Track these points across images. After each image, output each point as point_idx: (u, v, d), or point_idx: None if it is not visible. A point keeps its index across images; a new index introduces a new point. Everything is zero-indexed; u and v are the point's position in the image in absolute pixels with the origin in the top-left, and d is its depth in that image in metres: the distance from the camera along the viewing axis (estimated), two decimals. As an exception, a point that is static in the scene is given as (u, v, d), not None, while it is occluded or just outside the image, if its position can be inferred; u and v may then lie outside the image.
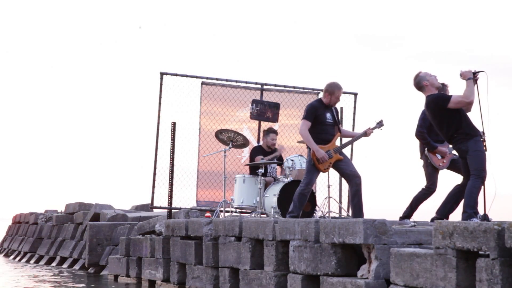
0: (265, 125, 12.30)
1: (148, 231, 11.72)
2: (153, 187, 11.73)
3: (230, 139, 10.81)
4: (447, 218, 8.09)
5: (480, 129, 7.58)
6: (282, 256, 7.47)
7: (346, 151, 12.51)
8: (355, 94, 13.03)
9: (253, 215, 10.21)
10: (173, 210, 11.74)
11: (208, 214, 10.66)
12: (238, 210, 10.73)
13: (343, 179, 9.38)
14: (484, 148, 7.58)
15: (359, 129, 9.22)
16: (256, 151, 11.12)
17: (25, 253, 20.50)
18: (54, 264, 17.37)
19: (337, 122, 8.80)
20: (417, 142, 8.64)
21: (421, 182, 8.56)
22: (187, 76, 12.01)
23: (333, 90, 8.66)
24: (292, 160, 10.30)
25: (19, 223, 24.56)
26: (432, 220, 8.13)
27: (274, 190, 10.09)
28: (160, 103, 11.77)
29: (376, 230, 6.10)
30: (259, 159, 10.78)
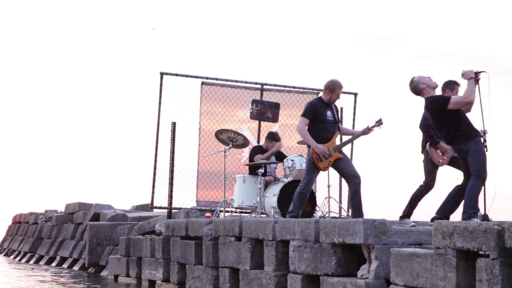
0: (265, 125, 12.30)
1: (148, 231, 11.72)
2: (153, 187, 11.73)
3: (230, 139, 10.81)
4: (448, 219, 8.09)
5: (481, 129, 7.59)
6: (282, 256, 7.47)
7: (346, 150, 12.51)
8: (355, 94, 13.03)
9: (253, 215, 10.21)
10: (173, 210, 11.74)
11: (208, 214, 10.66)
12: (238, 210, 10.73)
13: (343, 179, 9.38)
14: (485, 148, 7.59)
15: (359, 129, 9.19)
16: (256, 151, 11.11)
17: (25, 253, 20.50)
18: (54, 264, 17.37)
19: (337, 121, 8.79)
20: (418, 138, 8.63)
21: (421, 181, 8.55)
22: (187, 76, 12.01)
23: (334, 87, 8.65)
24: (292, 160, 10.30)
25: (19, 223, 24.56)
26: (432, 220, 8.12)
27: (274, 190, 10.09)
28: (160, 103, 11.77)
29: (376, 230, 6.10)
30: (259, 159, 10.78)
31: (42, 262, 18.32)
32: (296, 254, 7.05)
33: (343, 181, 11.13)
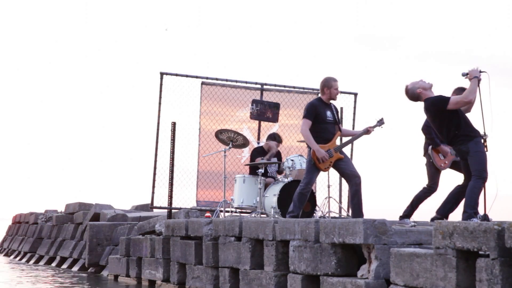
0: (265, 125, 12.30)
1: (148, 231, 11.72)
2: (153, 187, 11.73)
3: (230, 139, 10.81)
4: (447, 218, 8.09)
5: (482, 130, 7.58)
6: (282, 256, 7.47)
7: (347, 150, 12.52)
8: (355, 94, 13.03)
9: (253, 215, 10.21)
10: (173, 210, 11.74)
11: (208, 214, 10.66)
12: (238, 210, 10.73)
13: (343, 179, 9.38)
14: (485, 148, 7.59)
15: (359, 129, 9.19)
16: (257, 153, 11.11)
17: (25, 253, 20.50)
18: (54, 264, 17.37)
19: (337, 121, 8.79)
20: (420, 140, 8.63)
21: (422, 182, 8.56)
22: (187, 76, 12.01)
23: (330, 82, 8.64)
24: (292, 160, 10.30)
25: (19, 223, 24.57)
26: (432, 219, 8.13)
27: (274, 190, 10.09)
28: (160, 103, 11.77)
29: (376, 230, 6.10)
30: (259, 160, 10.78)
31: (42, 262, 18.31)
32: (296, 254, 7.05)
33: (343, 181, 11.14)
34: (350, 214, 10.83)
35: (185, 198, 11.90)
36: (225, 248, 8.66)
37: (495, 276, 4.78)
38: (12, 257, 21.89)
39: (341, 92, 12.82)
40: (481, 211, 7.48)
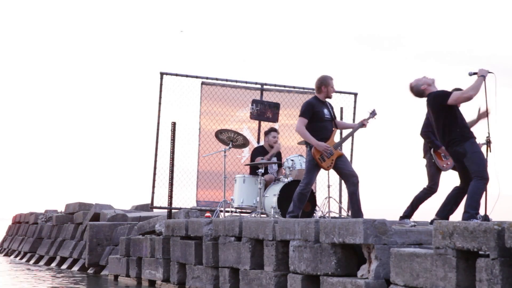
0: (265, 125, 12.30)
1: (148, 231, 11.72)
2: (153, 187, 11.73)
3: (230, 139, 10.81)
4: (447, 219, 8.09)
5: (486, 131, 7.61)
6: (282, 256, 7.47)
7: (347, 151, 12.49)
8: (355, 94, 13.02)
9: (253, 215, 10.21)
10: (173, 210, 11.74)
11: (208, 214, 10.66)
12: (238, 210, 10.73)
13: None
14: (489, 150, 7.61)
15: (361, 129, 9.22)
16: (257, 152, 11.11)
17: (25, 253, 20.49)
18: (54, 264, 17.36)
19: (333, 118, 8.82)
20: (420, 142, 8.64)
21: (422, 182, 8.57)
22: (187, 76, 12.01)
23: (327, 81, 8.68)
24: (292, 160, 10.30)
25: (19, 223, 24.56)
26: (432, 222, 8.12)
27: (274, 190, 10.09)
28: (160, 103, 11.77)
29: (376, 230, 6.10)
30: (260, 160, 10.79)
31: (42, 262, 18.31)
32: (296, 254, 7.05)
33: (343, 180, 11.15)
34: (350, 214, 10.83)
35: (185, 198, 11.91)
36: (225, 248, 8.66)
37: (495, 276, 4.78)
38: (12, 256, 21.89)
39: (341, 92, 12.85)
40: (481, 211, 7.48)
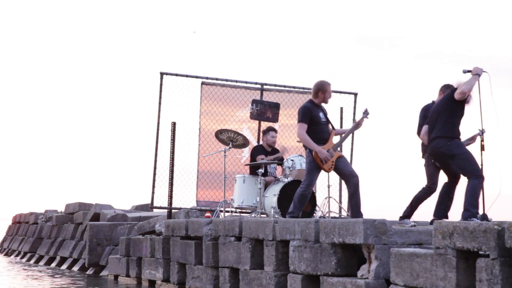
0: (265, 125, 12.30)
1: (148, 231, 11.72)
2: (153, 187, 11.72)
3: (230, 139, 10.81)
4: (446, 217, 8.11)
5: (479, 129, 7.68)
6: (282, 256, 7.47)
7: (347, 151, 12.50)
8: (355, 94, 13.02)
9: (253, 215, 10.21)
10: (173, 210, 11.73)
11: (208, 214, 10.66)
12: (238, 210, 10.73)
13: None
14: (482, 147, 7.67)
15: (360, 129, 9.25)
16: (257, 151, 11.12)
17: (25, 253, 20.50)
18: (54, 264, 17.36)
19: (329, 120, 8.86)
20: (418, 142, 8.65)
21: (421, 182, 8.57)
22: (187, 76, 12.00)
23: (325, 87, 8.72)
24: (292, 160, 10.30)
25: (19, 223, 24.56)
26: (432, 222, 8.12)
27: (274, 190, 10.09)
28: (160, 103, 11.76)
29: (376, 230, 6.10)
30: (260, 159, 10.78)
31: (42, 262, 18.31)
32: (296, 254, 7.05)
33: (343, 181, 11.16)
34: (350, 214, 10.83)
35: (185, 198, 11.90)
36: (225, 248, 8.66)
37: (495, 276, 4.78)
38: (12, 256, 21.90)
39: (341, 92, 12.86)
40: (480, 211, 7.49)
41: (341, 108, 12.82)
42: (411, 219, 8.46)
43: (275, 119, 12.20)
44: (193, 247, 9.45)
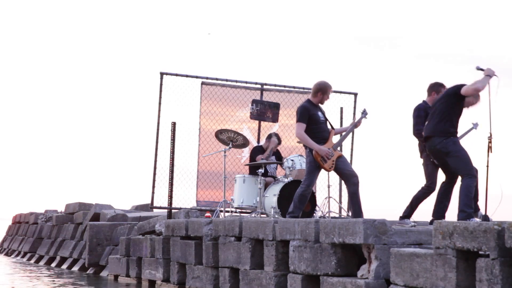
0: (265, 125, 12.30)
1: (148, 231, 11.72)
2: (153, 187, 11.73)
3: (230, 139, 10.81)
4: (444, 217, 8.12)
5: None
6: (282, 256, 7.47)
7: (347, 151, 12.49)
8: (355, 94, 13.02)
9: (253, 215, 10.21)
10: (173, 210, 11.74)
11: (208, 214, 10.66)
12: (238, 210, 10.73)
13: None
14: (490, 149, 7.67)
15: (359, 129, 9.27)
16: (257, 151, 11.12)
17: (25, 253, 20.50)
18: (54, 264, 17.37)
19: (327, 120, 8.86)
20: (416, 142, 8.65)
21: (421, 182, 8.57)
22: (187, 76, 12.01)
23: (326, 89, 8.72)
24: (292, 160, 10.30)
25: (19, 223, 24.57)
26: (431, 222, 8.12)
27: (274, 190, 10.09)
28: (160, 103, 11.77)
29: (376, 230, 6.10)
30: (260, 159, 10.78)
31: (42, 262, 18.31)
32: (296, 254, 7.05)
33: (343, 181, 11.17)
34: (350, 214, 10.83)
35: (185, 198, 11.91)
36: (225, 248, 8.66)
37: (495, 276, 4.78)
38: (12, 256, 21.90)
39: (341, 92, 12.86)
40: (482, 211, 7.49)
41: (341, 108, 12.82)
42: (411, 219, 8.45)
43: (275, 119, 12.20)
44: (193, 247, 9.45)
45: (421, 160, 8.63)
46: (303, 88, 12.76)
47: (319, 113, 8.72)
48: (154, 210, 13.53)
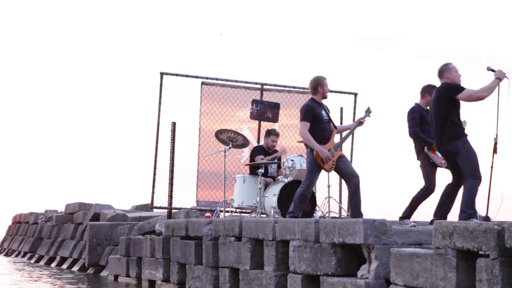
0: (265, 125, 12.29)
1: (148, 231, 11.72)
2: (153, 187, 11.72)
3: (230, 139, 10.81)
4: (446, 219, 8.10)
5: (494, 133, 7.65)
6: (282, 256, 7.47)
7: (347, 151, 12.48)
8: (355, 94, 13.02)
9: (253, 215, 10.20)
10: (173, 210, 11.74)
11: (208, 214, 10.66)
12: (238, 210, 10.73)
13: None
14: (495, 150, 7.64)
15: (360, 128, 9.26)
16: (257, 151, 11.11)
17: (25, 253, 20.50)
18: (54, 264, 17.37)
19: (330, 119, 8.85)
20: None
21: (421, 182, 8.56)
22: (187, 76, 12.00)
23: (322, 81, 8.73)
24: (292, 160, 10.30)
25: (19, 223, 24.57)
26: (431, 222, 8.11)
27: (274, 190, 10.09)
28: (160, 103, 11.77)
29: (376, 230, 6.10)
30: (260, 159, 10.78)
31: (42, 262, 18.31)
32: (296, 254, 7.05)
33: (343, 181, 11.16)
34: (350, 214, 10.83)
35: (185, 198, 11.90)
36: (225, 248, 8.66)
37: (495, 276, 4.78)
38: (12, 256, 21.90)
39: (341, 92, 12.86)
40: (482, 211, 7.49)
41: (341, 108, 12.82)
42: (411, 219, 8.45)
43: (275, 119, 12.20)
44: (193, 247, 9.45)
45: (418, 162, 8.62)
46: (303, 88, 12.75)
47: (323, 112, 8.70)
48: (154, 210, 13.53)
